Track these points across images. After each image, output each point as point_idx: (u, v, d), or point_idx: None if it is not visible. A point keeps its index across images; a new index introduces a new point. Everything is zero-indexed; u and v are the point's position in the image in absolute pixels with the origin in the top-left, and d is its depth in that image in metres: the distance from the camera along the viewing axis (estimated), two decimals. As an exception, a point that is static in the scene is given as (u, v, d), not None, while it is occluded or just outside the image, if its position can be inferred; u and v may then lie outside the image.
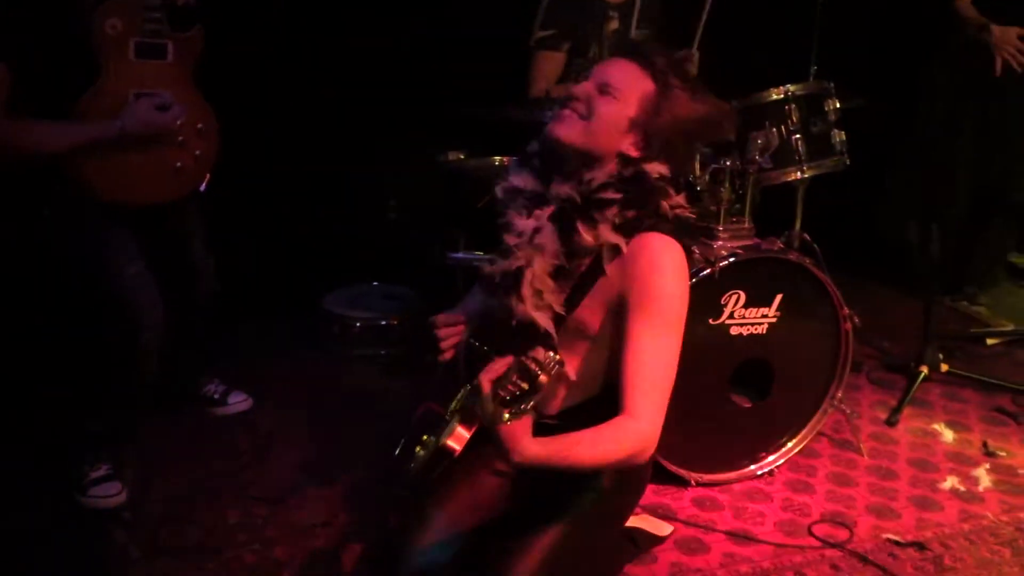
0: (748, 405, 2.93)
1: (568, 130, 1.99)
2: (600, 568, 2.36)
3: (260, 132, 3.70)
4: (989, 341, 3.93)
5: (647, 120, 1.98)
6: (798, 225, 3.50)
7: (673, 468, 2.82)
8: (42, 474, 2.81)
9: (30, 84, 2.43)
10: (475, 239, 3.17)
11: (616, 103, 1.98)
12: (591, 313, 2.02)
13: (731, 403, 2.90)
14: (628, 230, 1.97)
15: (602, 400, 2.05)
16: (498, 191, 2.14)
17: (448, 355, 2.19)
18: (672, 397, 2.60)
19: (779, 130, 2.99)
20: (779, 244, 2.90)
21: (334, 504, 2.74)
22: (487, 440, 1.82)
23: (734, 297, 2.76)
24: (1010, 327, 4.06)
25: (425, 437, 2.01)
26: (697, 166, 2.97)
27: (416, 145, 3.82)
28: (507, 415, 1.64)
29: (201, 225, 3.00)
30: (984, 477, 2.97)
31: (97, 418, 2.82)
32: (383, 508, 2.63)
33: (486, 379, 1.68)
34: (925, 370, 3.44)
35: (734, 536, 2.66)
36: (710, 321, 2.75)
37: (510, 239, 2.04)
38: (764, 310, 2.80)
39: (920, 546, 2.63)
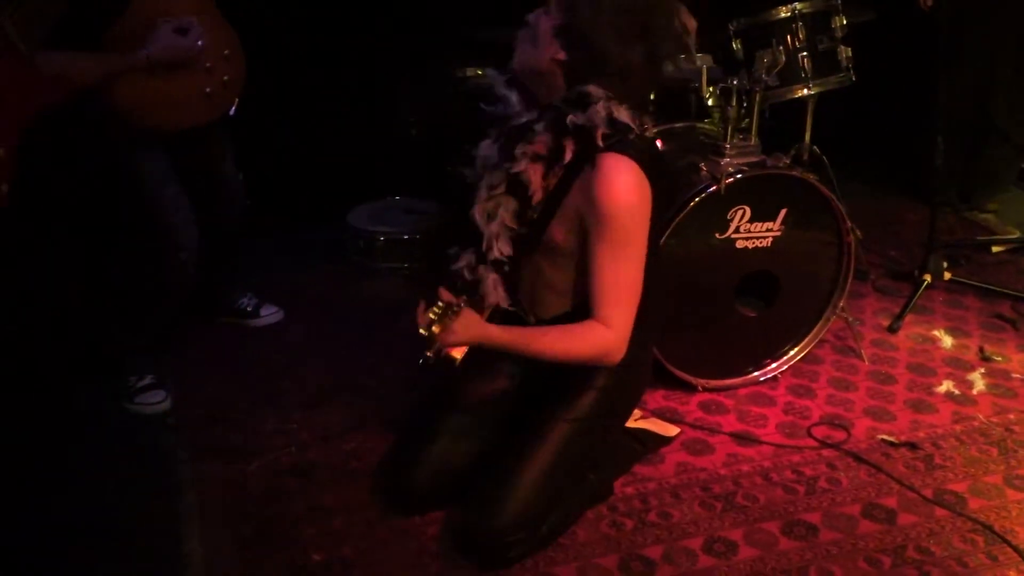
0: (753, 315, 3.07)
1: (520, 57, 2.18)
2: (608, 467, 2.56)
3: (285, 52, 3.81)
4: (994, 249, 4.02)
5: (569, 19, 2.09)
6: (808, 138, 3.61)
7: (681, 374, 2.98)
8: (92, 387, 3.00)
9: (63, 16, 2.55)
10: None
11: (548, 15, 2.12)
12: (560, 231, 2.19)
13: (737, 313, 3.04)
14: (583, 150, 2.12)
15: (586, 308, 2.23)
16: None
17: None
18: (680, 307, 2.81)
19: (785, 47, 3.06)
20: (785, 160, 3.00)
21: (363, 409, 2.93)
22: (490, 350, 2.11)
23: (740, 212, 2.88)
24: (1016, 235, 4.15)
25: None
26: (704, 82, 3.07)
27: (436, 62, 3.93)
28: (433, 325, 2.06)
29: (229, 146, 3.13)
30: (979, 381, 3.12)
31: (139, 332, 3.02)
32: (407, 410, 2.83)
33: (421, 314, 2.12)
34: (928, 278, 3.56)
35: (737, 438, 2.84)
36: (716, 235, 2.88)
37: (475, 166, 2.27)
38: (769, 224, 2.92)
39: (913, 446, 2.79)
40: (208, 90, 2.83)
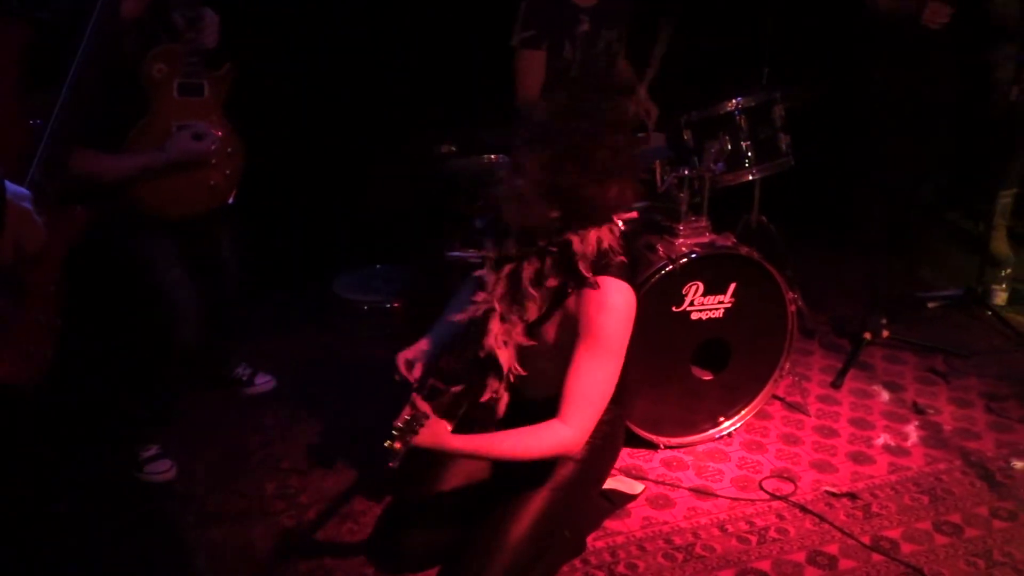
0: (709, 377, 3.38)
1: (511, 216, 2.45)
2: (582, 525, 2.84)
3: (273, 125, 4.09)
4: (931, 305, 4.37)
5: (555, 180, 2.31)
6: (756, 211, 3.95)
7: (644, 434, 3.28)
8: (104, 457, 3.25)
9: (91, 121, 2.84)
10: (470, 238, 3.58)
11: (526, 180, 2.35)
12: (552, 331, 2.46)
13: (694, 376, 3.35)
14: (579, 279, 2.39)
15: None
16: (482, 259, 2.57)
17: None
18: (642, 373, 3.10)
19: (731, 137, 3.40)
20: (732, 239, 3.32)
21: (356, 471, 3.19)
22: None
23: (693, 287, 3.20)
24: (950, 290, 4.50)
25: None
26: (659, 173, 3.40)
27: (415, 141, 4.22)
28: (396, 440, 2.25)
29: (230, 229, 3.41)
30: (912, 433, 3.45)
31: (144, 405, 3.26)
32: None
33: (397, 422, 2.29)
34: (869, 336, 3.90)
35: (696, 492, 3.13)
36: (673, 309, 3.20)
37: (480, 295, 2.51)
38: (720, 297, 3.24)
39: (853, 496, 3.10)
40: (212, 183, 3.14)
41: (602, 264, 2.39)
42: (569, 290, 2.40)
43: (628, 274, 2.43)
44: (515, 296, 2.46)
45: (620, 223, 3.35)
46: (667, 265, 3.12)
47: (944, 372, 3.84)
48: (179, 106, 3.01)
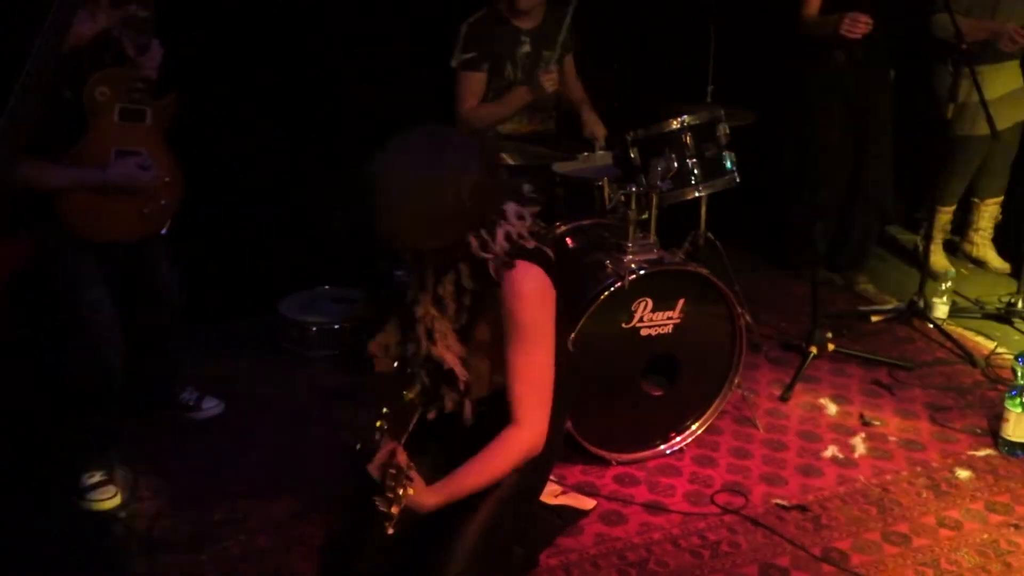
0: (659, 393, 3.39)
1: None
2: (534, 542, 2.83)
3: (216, 146, 4.05)
4: (873, 318, 4.45)
5: (437, 207, 2.19)
6: (703, 227, 4.00)
7: (595, 450, 3.29)
8: (46, 481, 3.17)
9: (32, 133, 2.77)
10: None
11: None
12: (483, 332, 2.42)
13: (644, 392, 3.36)
14: (484, 273, 2.32)
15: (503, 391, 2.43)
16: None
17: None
18: (592, 390, 3.10)
19: (677, 155, 3.43)
20: (680, 255, 3.36)
21: (306, 496, 3.14)
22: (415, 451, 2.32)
23: (642, 303, 3.22)
24: (892, 304, 4.58)
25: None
26: (607, 190, 3.43)
27: (363, 159, 4.20)
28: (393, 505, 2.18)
29: (166, 254, 3.35)
30: (860, 445, 3.49)
31: (80, 429, 3.18)
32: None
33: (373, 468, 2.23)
34: (814, 350, 3.95)
35: (648, 507, 3.14)
36: (622, 325, 3.21)
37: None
38: (669, 313, 3.26)
39: (803, 508, 3.13)
40: (145, 211, 3.10)
41: (510, 254, 2.33)
42: (485, 289, 2.36)
43: (540, 257, 2.35)
44: (440, 306, 2.42)
45: (569, 241, 3.42)
46: (616, 281, 3.14)
47: (889, 384, 3.90)
48: (119, 130, 2.97)
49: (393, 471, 2.20)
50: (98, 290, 3.06)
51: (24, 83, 2.54)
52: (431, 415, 2.50)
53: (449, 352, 2.42)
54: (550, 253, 2.41)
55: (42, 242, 2.94)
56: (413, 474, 2.25)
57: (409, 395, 2.49)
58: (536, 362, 2.37)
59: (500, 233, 2.33)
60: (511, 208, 2.40)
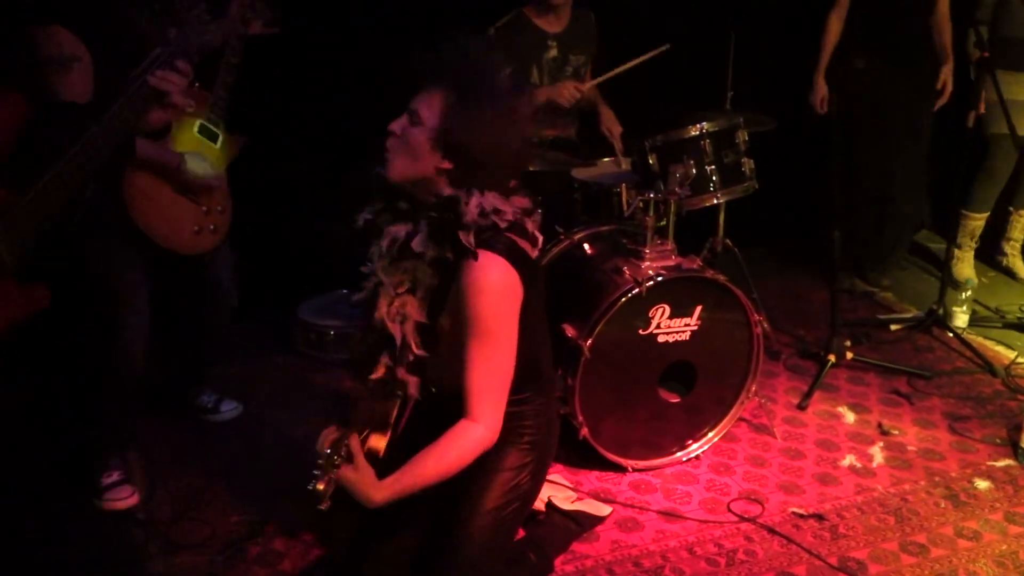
0: (676, 400, 3.39)
1: (398, 168, 2.26)
2: (546, 544, 2.84)
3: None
4: (893, 327, 4.42)
5: (446, 132, 2.19)
6: (721, 233, 3.99)
7: (612, 457, 3.28)
8: (62, 485, 3.19)
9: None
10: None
11: (422, 127, 2.22)
12: (448, 321, 2.31)
13: (661, 399, 3.36)
14: (461, 250, 2.22)
15: None
16: (360, 221, 2.45)
17: None
18: (610, 396, 3.08)
19: (696, 162, 3.43)
20: (698, 262, 3.35)
21: (323, 500, 3.16)
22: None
23: (660, 310, 3.21)
24: (912, 312, 4.56)
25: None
26: (625, 196, 3.43)
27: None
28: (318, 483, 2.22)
29: (227, 254, 3.40)
30: (878, 454, 3.47)
31: (96, 425, 3.18)
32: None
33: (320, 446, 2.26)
34: (833, 358, 3.93)
35: (665, 515, 3.13)
36: (640, 332, 3.21)
37: (366, 267, 2.41)
38: (686, 320, 3.26)
39: (820, 517, 3.11)
40: (196, 228, 3.18)
41: (485, 237, 2.23)
42: (450, 258, 2.25)
43: (515, 254, 2.25)
44: (400, 267, 2.33)
45: (587, 247, 3.42)
46: (633, 288, 3.13)
47: (908, 393, 3.87)
48: (194, 142, 3.15)
49: (329, 451, 2.20)
50: (133, 276, 3.06)
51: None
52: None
53: (393, 323, 2.30)
54: (527, 249, 2.31)
55: (91, 222, 2.92)
56: (363, 467, 2.21)
57: (373, 377, 2.38)
58: (493, 362, 2.27)
59: (474, 201, 2.23)
60: (513, 199, 2.30)
